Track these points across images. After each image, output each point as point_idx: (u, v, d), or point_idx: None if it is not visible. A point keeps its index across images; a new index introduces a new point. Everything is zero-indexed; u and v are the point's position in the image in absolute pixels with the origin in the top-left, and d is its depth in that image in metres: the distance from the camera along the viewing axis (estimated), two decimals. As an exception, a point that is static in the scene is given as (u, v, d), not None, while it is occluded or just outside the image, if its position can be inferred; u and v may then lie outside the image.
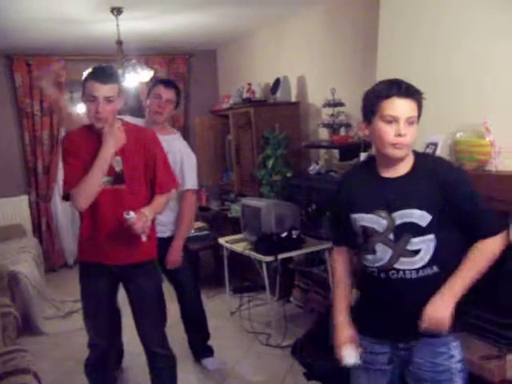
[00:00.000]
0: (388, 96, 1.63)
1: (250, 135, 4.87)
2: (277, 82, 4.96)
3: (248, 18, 4.90)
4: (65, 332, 4.18)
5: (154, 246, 2.59)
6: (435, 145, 2.71)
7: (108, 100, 2.29)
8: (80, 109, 6.28)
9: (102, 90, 2.27)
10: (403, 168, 1.72)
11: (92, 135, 2.39)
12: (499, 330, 2.43)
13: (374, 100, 1.67)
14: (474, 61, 2.60)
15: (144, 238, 2.38)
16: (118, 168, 2.40)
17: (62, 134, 5.90)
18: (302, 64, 4.90)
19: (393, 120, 1.63)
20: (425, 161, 1.76)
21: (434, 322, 1.65)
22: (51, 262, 5.98)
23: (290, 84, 4.94)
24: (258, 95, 5.08)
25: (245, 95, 5.18)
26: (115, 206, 2.39)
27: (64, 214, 6.12)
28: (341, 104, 4.14)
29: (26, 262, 4.52)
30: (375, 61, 3.24)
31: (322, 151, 4.67)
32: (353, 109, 3.94)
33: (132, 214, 2.27)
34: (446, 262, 1.70)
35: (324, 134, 4.52)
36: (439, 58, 2.79)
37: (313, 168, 4.38)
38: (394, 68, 3.03)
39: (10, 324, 3.27)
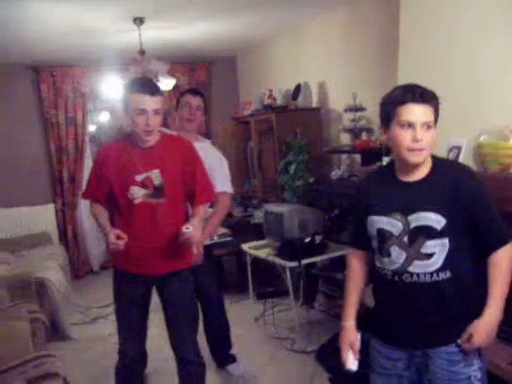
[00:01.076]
0: (403, 102, 1.65)
1: (271, 141, 4.89)
2: (298, 87, 4.97)
3: (268, 24, 4.93)
4: (92, 338, 4.23)
5: (191, 254, 2.58)
6: (459, 148, 2.69)
7: (156, 112, 2.30)
8: (103, 117, 6.41)
9: (151, 102, 2.27)
10: (421, 172, 1.73)
11: (127, 149, 2.40)
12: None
13: (390, 106, 1.70)
14: (495, 61, 2.58)
15: (195, 250, 2.39)
16: (156, 181, 2.37)
17: (87, 143, 6.02)
18: (323, 69, 4.90)
19: (409, 125, 1.65)
20: (443, 166, 1.77)
21: (484, 336, 1.66)
22: (77, 269, 6.06)
23: (310, 89, 4.95)
24: (279, 101, 5.09)
25: (266, 101, 5.20)
26: (152, 219, 2.38)
27: (89, 222, 6.17)
28: (362, 109, 4.14)
29: (52, 269, 4.60)
30: (396, 64, 3.23)
31: (344, 156, 4.66)
32: (374, 113, 3.90)
33: (190, 227, 2.27)
34: (459, 267, 1.70)
35: (346, 139, 4.52)
36: (460, 59, 2.78)
37: (335, 173, 4.37)
38: (415, 71, 3.02)
39: (38, 329, 3.33)
